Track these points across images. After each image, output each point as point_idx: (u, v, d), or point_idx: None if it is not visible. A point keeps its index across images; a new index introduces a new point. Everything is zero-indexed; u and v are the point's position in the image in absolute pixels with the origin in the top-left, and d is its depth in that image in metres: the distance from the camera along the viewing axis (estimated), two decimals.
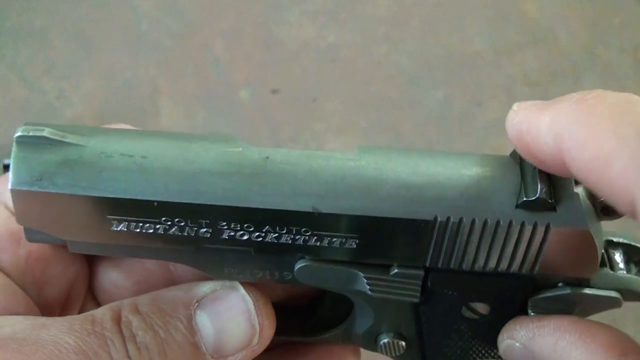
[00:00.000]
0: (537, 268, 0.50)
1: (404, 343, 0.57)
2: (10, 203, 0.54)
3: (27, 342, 0.46)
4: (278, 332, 0.56)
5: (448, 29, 1.32)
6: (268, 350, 0.61)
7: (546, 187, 0.47)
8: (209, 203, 0.48)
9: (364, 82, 1.28)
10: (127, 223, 0.49)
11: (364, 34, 1.31)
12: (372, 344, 0.58)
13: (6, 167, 1.09)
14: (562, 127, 0.41)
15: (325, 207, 0.48)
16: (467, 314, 0.54)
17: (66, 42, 1.27)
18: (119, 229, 0.49)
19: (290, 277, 0.53)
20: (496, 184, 0.48)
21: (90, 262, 0.60)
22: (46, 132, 0.48)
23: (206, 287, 0.53)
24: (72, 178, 0.47)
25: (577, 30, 1.32)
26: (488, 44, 1.31)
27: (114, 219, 0.49)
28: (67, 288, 0.58)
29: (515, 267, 0.50)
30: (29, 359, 0.45)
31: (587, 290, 0.51)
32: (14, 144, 0.48)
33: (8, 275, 0.54)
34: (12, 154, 0.48)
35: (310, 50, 1.30)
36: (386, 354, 0.58)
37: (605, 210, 0.48)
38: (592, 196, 0.48)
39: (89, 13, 1.29)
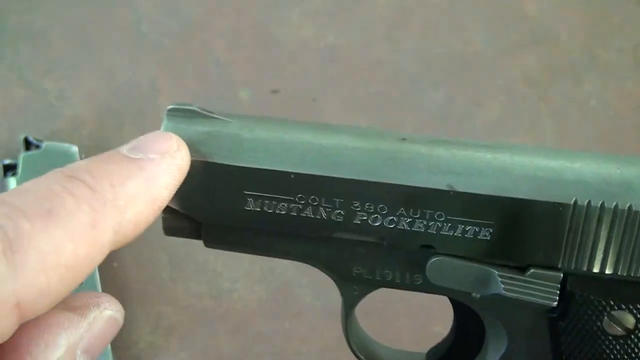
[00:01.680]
0: None
1: None
2: None
3: None
4: None
5: (448, 29, 1.32)
6: None
7: None
8: (345, 177, 0.49)
9: (364, 82, 1.27)
10: (261, 201, 0.50)
11: (364, 34, 1.31)
12: None
13: (6, 167, 1.09)
14: None
15: (461, 186, 0.48)
16: (611, 329, 0.50)
17: (66, 43, 1.27)
18: (253, 208, 0.50)
19: (420, 281, 0.52)
20: None
21: None
22: (195, 107, 0.51)
23: None
24: (215, 147, 0.50)
25: (577, 30, 1.32)
26: (488, 44, 1.31)
27: (250, 195, 0.50)
28: None
29: None
30: None
31: None
32: (165, 116, 0.51)
33: None
34: (163, 125, 0.51)
35: (310, 50, 1.29)
36: None
37: None
38: None
39: (89, 13, 1.29)
